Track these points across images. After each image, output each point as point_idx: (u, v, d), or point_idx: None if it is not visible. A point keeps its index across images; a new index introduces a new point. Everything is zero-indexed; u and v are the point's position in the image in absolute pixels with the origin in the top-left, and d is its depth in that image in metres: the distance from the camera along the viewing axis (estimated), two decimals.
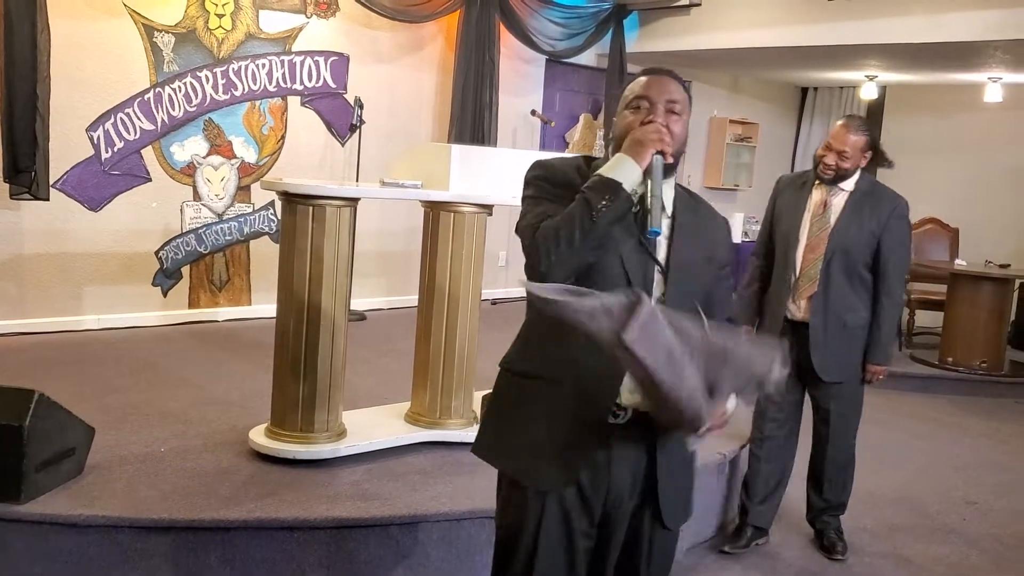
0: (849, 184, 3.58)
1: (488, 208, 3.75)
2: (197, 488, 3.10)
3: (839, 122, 3.60)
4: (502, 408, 2.10)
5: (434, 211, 3.71)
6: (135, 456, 3.36)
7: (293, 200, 3.35)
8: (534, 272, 1.91)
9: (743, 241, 8.92)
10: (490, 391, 3.83)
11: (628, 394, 1.92)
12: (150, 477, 3.17)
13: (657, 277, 1.98)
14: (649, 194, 1.89)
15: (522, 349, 2.08)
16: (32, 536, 2.81)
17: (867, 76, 8.62)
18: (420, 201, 3.78)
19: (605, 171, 1.89)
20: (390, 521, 3.03)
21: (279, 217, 6.08)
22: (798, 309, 3.61)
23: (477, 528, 3.14)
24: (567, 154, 2.13)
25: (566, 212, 1.87)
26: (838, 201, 3.58)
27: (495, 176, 3.76)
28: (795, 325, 3.61)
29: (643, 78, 2.04)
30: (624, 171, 1.88)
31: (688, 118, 2.05)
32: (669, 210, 2.01)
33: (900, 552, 3.92)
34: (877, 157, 3.59)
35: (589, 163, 2.03)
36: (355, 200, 3.48)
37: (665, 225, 1.99)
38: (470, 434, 3.72)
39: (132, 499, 2.97)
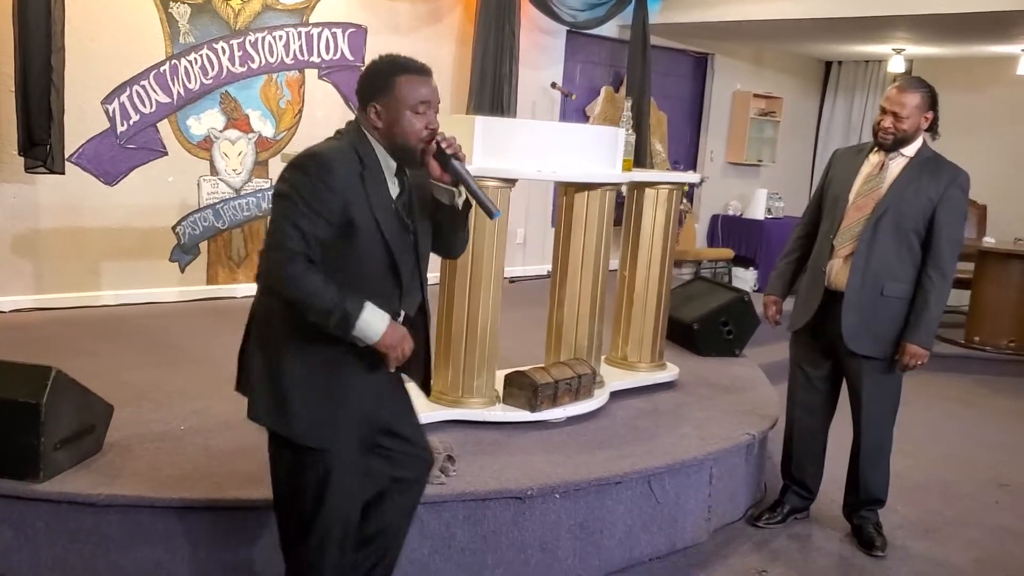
0: (910, 150, 3.42)
1: (512, 183, 3.65)
2: (218, 467, 3.04)
3: (893, 84, 3.45)
4: None
5: (456, 186, 3.61)
6: (155, 434, 3.31)
7: None
8: (267, 275, 2.23)
9: (766, 218, 8.81)
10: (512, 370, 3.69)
11: None
12: (170, 455, 3.12)
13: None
14: (471, 197, 2.35)
15: None
16: (52, 515, 2.77)
17: (894, 49, 8.43)
18: None
19: (360, 322, 2.20)
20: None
21: None
22: (833, 272, 3.47)
23: (501, 508, 3.08)
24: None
25: (323, 300, 2.17)
26: (896, 164, 3.42)
27: (519, 149, 3.66)
28: (830, 296, 3.49)
29: (418, 78, 2.27)
30: (366, 333, 2.22)
31: None
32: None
33: (932, 537, 3.84)
34: (934, 121, 3.42)
35: (362, 161, 2.26)
36: None
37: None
38: (493, 413, 3.67)
39: (153, 478, 2.92)
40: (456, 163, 2.29)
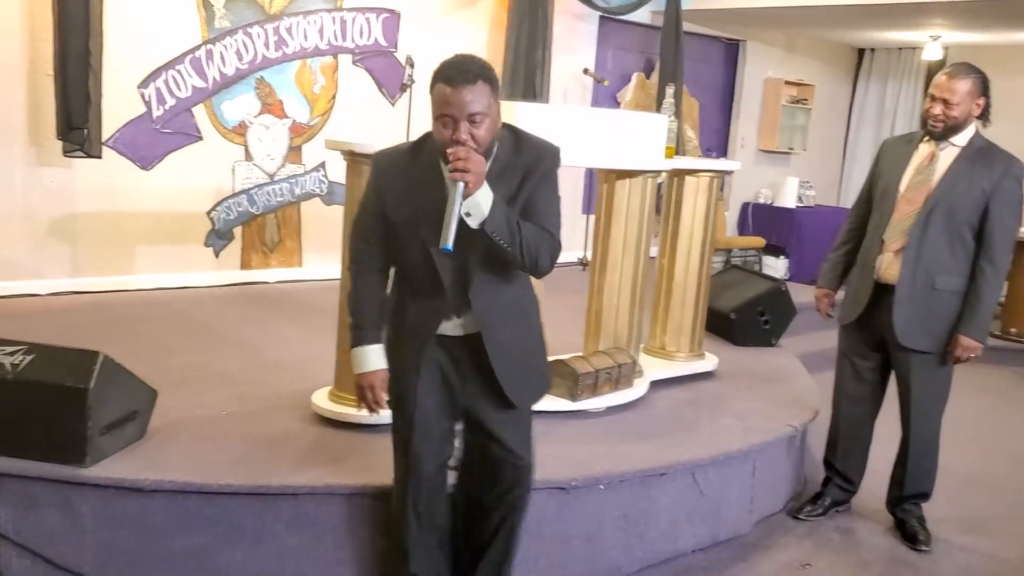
0: (962, 139, 3.34)
1: None
2: (263, 453, 3.03)
3: (942, 71, 3.37)
4: None
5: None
6: (197, 419, 3.30)
7: (358, 160, 3.24)
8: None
9: (797, 207, 8.71)
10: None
11: None
12: (214, 441, 3.11)
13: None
14: (447, 214, 2.14)
15: None
16: (98, 500, 2.77)
17: (931, 36, 8.30)
18: None
19: (354, 350, 2.46)
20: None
21: (329, 179, 6.05)
22: (883, 266, 3.40)
23: (544, 498, 3.05)
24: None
25: (353, 306, 2.46)
26: (947, 155, 3.34)
27: (562, 136, 3.60)
28: (881, 288, 3.43)
29: (446, 88, 2.16)
30: (353, 361, 2.47)
31: (496, 109, 2.24)
32: (480, 219, 2.19)
33: (977, 531, 3.78)
34: (986, 108, 3.34)
35: (416, 158, 2.34)
36: None
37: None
38: None
39: (197, 463, 2.91)
40: (451, 182, 2.14)
